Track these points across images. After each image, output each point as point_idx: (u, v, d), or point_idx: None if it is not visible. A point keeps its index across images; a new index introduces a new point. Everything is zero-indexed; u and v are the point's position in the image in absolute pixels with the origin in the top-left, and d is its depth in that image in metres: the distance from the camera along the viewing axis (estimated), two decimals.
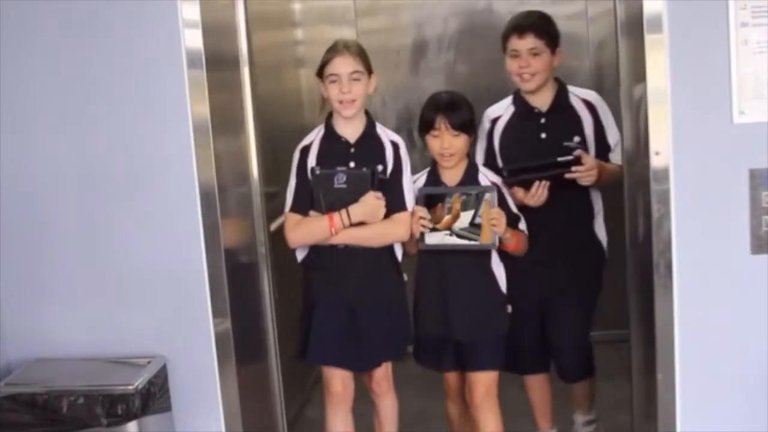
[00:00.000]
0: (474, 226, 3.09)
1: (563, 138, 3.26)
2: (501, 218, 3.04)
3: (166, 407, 2.79)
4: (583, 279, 3.38)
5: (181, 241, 2.79)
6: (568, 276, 3.33)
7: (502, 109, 3.39)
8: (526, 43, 3.21)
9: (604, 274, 3.46)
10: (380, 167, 3.09)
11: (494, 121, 3.38)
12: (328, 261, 3.13)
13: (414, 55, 4.46)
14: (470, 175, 3.17)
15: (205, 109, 2.72)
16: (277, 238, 3.24)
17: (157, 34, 2.73)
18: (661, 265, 2.71)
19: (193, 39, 2.70)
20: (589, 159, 3.21)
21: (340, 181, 3.06)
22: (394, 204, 3.10)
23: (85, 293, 2.87)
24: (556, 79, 3.35)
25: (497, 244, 3.09)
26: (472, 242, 3.09)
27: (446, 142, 3.09)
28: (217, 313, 2.81)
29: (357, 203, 3.05)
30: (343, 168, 3.08)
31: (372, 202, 3.05)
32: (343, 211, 3.04)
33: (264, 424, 3.17)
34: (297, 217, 3.11)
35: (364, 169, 3.07)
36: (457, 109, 3.12)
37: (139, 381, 2.65)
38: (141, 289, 2.85)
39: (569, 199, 3.27)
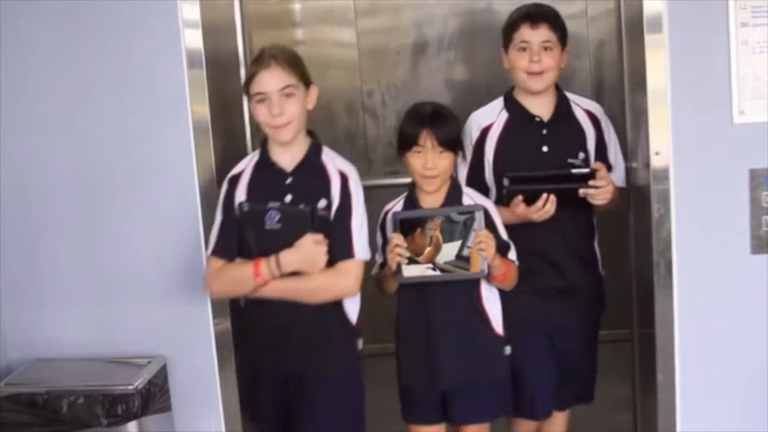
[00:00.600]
0: (461, 259, 2.61)
1: (567, 153, 2.83)
2: (489, 240, 2.58)
3: (166, 407, 2.79)
4: (593, 302, 2.98)
5: (181, 241, 2.79)
6: (580, 301, 2.91)
7: (494, 115, 2.90)
8: (539, 34, 2.77)
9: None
10: (323, 203, 2.53)
11: (485, 130, 2.88)
12: (263, 316, 2.60)
13: (414, 55, 4.45)
14: (453, 198, 2.70)
15: (205, 109, 2.72)
16: None
17: (157, 34, 2.72)
18: (661, 265, 2.71)
19: (193, 39, 2.70)
20: (606, 173, 2.78)
21: (272, 219, 2.49)
22: (339, 250, 2.52)
23: (85, 293, 2.87)
24: (555, 86, 2.90)
25: (486, 271, 2.61)
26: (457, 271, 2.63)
27: (431, 161, 2.63)
28: (217, 313, 2.81)
29: (291, 248, 2.48)
30: (276, 204, 2.51)
31: (309, 247, 2.48)
32: (272, 258, 2.48)
33: None
34: (220, 262, 2.57)
35: (302, 206, 2.50)
36: (443, 123, 2.66)
37: (139, 381, 2.65)
38: (141, 289, 2.85)
39: (575, 216, 2.85)
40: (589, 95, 3.99)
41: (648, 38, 2.64)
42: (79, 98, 2.78)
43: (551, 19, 2.80)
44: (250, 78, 2.54)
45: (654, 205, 2.68)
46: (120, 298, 2.85)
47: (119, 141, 2.79)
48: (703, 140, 2.67)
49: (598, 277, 2.97)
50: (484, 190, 2.84)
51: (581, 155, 2.85)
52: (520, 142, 2.85)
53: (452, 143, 2.67)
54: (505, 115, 2.90)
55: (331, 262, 2.52)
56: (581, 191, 2.74)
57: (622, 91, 3.02)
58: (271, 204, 2.51)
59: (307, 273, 2.50)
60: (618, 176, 2.89)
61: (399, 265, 2.62)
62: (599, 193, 2.74)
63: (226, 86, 2.93)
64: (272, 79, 2.50)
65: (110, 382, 2.67)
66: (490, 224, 2.65)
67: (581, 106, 2.92)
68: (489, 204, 2.73)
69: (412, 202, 2.74)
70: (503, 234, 2.71)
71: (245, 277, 2.51)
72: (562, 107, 2.89)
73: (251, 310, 2.62)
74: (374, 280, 2.77)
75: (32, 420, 2.63)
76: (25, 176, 2.83)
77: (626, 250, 3.07)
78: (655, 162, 2.67)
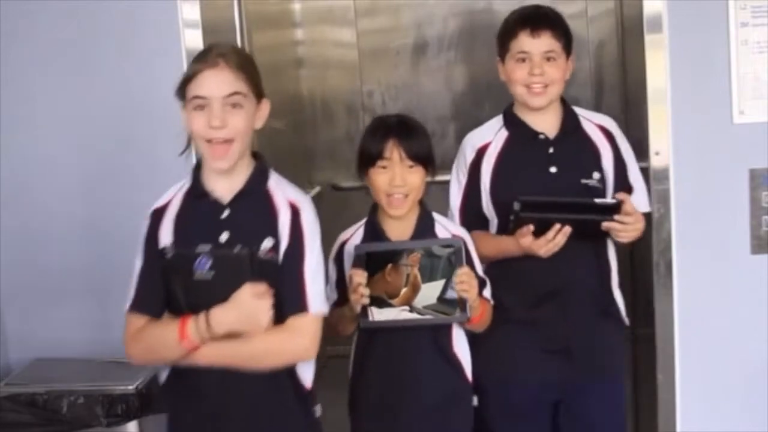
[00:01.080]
0: (445, 302, 2.21)
1: (579, 174, 2.45)
2: (472, 280, 2.22)
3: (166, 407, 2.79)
4: (611, 362, 2.52)
5: None
6: (590, 363, 2.46)
7: (491, 134, 2.52)
8: (541, 43, 2.40)
9: None
10: (268, 242, 2.02)
11: (481, 151, 2.50)
12: (192, 388, 2.05)
13: (414, 55, 4.44)
14: (424, 227, 2.32)
15: None
16: None
17: (157, 34, 2.73)
18: (661, 265, 2.72)
19: (193, 39, 2.70)
20: (633, 207, 2.38)
21: (202, 267, 1.97)
22: (290, 302, 2.01)
23: (85, 293, 2.87)
24: (561, 99, 2.54)
25: (468, 315, 2.24)
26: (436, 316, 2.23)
27: (398, 177, 2.25)
28: None
29: (225, 304, 1.96)
30: (207, 247, 1.99)
31: (246, 301, 1.95)
32: (201, 316, 1.96)
33: None
34: (140, 320, 2.04)
35: (238, 249, 1.99)
36: (412, 133, 2.30)
37: (139, 381, 2.65)
38: None
39: (586, 254, 2.46)
40: (589, 95, 3.99)
41: (648, 38, 2.64)
42: (79, 98, 2.78)
43: (554, 24, 2.43)
44: (189, 77, 2.04)
45: (654, 205, 2.68)
46: (120, 298, 2.83)
47: (120, 141, 2.79)
48: (703, 140, 2.68)
49: (619, 328, 2.54)
50: (481, 221, 2.50)
51: (596, 175, 2.46)
52: (522, 164, 2.48)
53: (423, 157, 2.29)
54: (504, 133, 2.52)
55: (281, 318, 2.00)
56: (605, 225, 2.34)
57: (622, 91, 3.02)
58: (201, 247, 1.99)
59: (248, 333, 1.98)
60: (641, 199, 2.50)
61: (365, 308, 2.20)
62: (625, 230, 2.35)
63: None
64: (218, 82, 2.01)
65: (110, 382, 2.66)
66: (467, 257, 2.28)
67: (592, 120, 2.55)
68: (465, 234, 2.37)
69: (374, 231, 2.33)
70: (479, 269, 2.35)
71: (169, 341, 1.98)
72: (570, 122, 2.51)
73: (179, 382, 2.08)
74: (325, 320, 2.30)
75: (32, 420, 2.63)
76: (25, 176, 2.83)
77: (626, 250, 3.07)
78: (655, 162, 2.68)
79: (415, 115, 4.32)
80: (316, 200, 4.37)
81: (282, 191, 2.10)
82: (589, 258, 2.47)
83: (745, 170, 2.68)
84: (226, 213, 2.06)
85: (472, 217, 2.49)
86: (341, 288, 2.29)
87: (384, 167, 2.28)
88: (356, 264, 2.22)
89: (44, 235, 2.86)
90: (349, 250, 2.30)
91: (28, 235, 2.86)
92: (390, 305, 2.21)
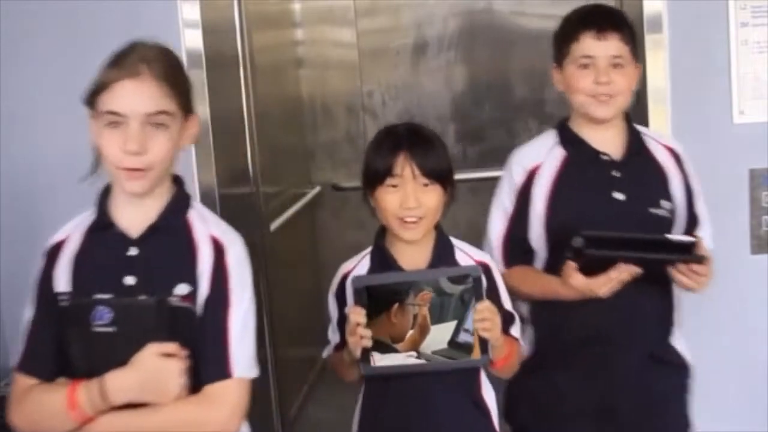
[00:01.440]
0: (457, 346, 1.87)
1: (648, 202, 2.15)
2: (495, 317, 1.86)
3: None
4: (667, 420, 2.24)
5: None
6: (646, 425, 2.18)
7: (543, 153, 2.20)
8: (608, 47, 2.10)
9: None
10: (183, 289, 1.67)
11: (532, 173, 2.18)
12: None
13: (414, 55, 4.45)
14: (443, 255, 1.97)
15: (205, 109, 2.72)
16: (276, 238, 3.22)
17: (157, 34, 2.72)
18: None
19: (193, 39, 2.70)
20: (707, 250, 2.06)
21: (101, 319, 1.62)
22: (209, 365, 1.67)
23: None
24: (624, 115, 2.25)
25: (491, 357, 1.90)
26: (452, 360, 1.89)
27: (411, 198, 1.89)
28: None
29: (125, 366, 1.61)
30: (106, 296, 1.64)
31: (151, 364, 1.61)
32: (95, 382, 1.62)
33: (260, 423, 3.17)
34: (27, 381, 1.71)
35: (143, 298, 1.65)
36: (427, 146, 1.94)
37: None
38: None
39: (650, 288, 2.11)
40: None
41: (648, 38, 2.64)
42: (80, 98, 2.78)
43: (622, 26, 2.14)
44: (101, 86, 1.69)
45: None
46: None
47: None
48: (703, 140, 2.68)
49: (681, 376, 2.26)
50: (526, 254, 2.19)
51: (666, 204, 2.17)
52: (582, 188, 2.16)
53: (440, 174, 1.93)
54: (559, 152, 2.21)
55: (197, 384, 1.67)
56: (677, 269, 2.04)
57: None
58: (100, 295, 1.65)
59: (155, 403, 1.63)
60: (706, 236, 2.20)
61: (366, 352, 1.86)
62: (695, 277, 2.04)
63: (225, 86, 2.93)
64: (139, 96, 1.65)
65: None
66: (491, 289, 1.97)
67: (659, 141, 2.27)
68: (489, 260, 2.05)
69: (384, 259, 1.98)
70: (507, 302, 2.03)
71: (56, 410, 1.63)
72: (636, 141, 2.21)
73: None
74: (327, 363, 2.11)
75: None
76: (26, 176, 2.83)
77: None
78: None
79: (415, 115, 4.37)
80: (316, 200, 4.41)
81: (204, 225, 1.75)
82: (652, 293, 2.13)
83: (745, 170, 2.68)
84: (133, 250, 1.71)
85: (516, 249, 2.20)
86: (344, 328, 1.94)
87: (394, 186, 1.92)
88: (356, 300, 1.87)
89: (45, 236, 2.85)
90: (349, 283, 1.96)
91: (29, 236, 2.85)
92: (395, 350, 1.86)
